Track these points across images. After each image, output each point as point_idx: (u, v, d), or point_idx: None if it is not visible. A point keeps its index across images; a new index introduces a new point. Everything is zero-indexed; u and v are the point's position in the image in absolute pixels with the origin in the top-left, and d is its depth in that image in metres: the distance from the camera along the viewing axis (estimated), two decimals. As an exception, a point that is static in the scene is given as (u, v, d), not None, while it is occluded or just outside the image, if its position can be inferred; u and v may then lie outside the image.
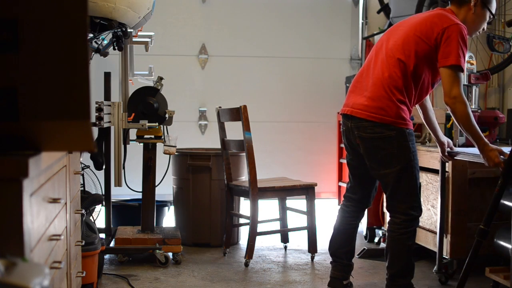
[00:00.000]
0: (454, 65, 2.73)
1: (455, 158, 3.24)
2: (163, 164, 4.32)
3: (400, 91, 2.82)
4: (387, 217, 3.71)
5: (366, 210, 3.48)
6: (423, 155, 3.71)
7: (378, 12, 5.34)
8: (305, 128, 5.47)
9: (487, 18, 3.00)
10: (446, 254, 3.52)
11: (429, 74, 2.87)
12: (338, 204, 4.98)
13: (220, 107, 4.17)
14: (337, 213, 3.24)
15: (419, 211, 2.94)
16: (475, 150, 2.92)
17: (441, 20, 2.80)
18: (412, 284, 2.98)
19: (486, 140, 2.79)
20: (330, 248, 3.21)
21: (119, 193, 4.49)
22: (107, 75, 3.91)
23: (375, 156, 2.89)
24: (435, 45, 2.79)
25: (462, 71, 2.77)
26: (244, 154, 3.93)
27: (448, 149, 3.25)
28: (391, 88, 2.81)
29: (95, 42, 3.76)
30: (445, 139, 3.23)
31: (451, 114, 2.80)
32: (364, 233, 4.52)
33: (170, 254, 3.85)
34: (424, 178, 3.73)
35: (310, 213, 4.03)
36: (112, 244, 3.95)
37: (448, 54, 2.74)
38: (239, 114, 3.86)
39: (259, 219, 3.91)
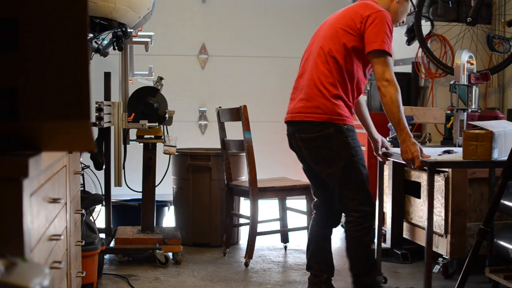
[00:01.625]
0: (380, 50, 2.70)
1: (389, 159, 3.21)
2: (163, 164, 4.32)
3: (334, 86, 2.77)
4: (387, 218, 3.72)
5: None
6: (423, 155, 3.71)
7: (378, 12, 5.33)
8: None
9: (408, 10, 3.01)
10: (446, 254, 3.52)
11: (360, 64, 2.83)
12: (338, 204, 4.98)
13: (220, 107, 4.17)
14: None
15: (372, 205, 2.85)
16: None
17: (363, 9, 2.80)
18: (378, 282, 2.93)
19: (410, 133, 2.73)
20: (307, 260, 3.10)
21: (119, 193, 4.49)
22: (107, 75, 3.91)
23: (318, 156, 2.84)
24: (360, 34, 2.76)
25: (390, 55, 2.74)
26: (244, 154, 3.93)
27: (383, 149, 3.19)
28: (324, 85, 2.77)
29: (95, 42, 3.76)
30: (379, 137, 3.16)
31: (381, 98, 2.72)
32: (364, 233, 4.52)
33: (170, 254, 3.85)
34: (424, 178, 3.73)
35: (310, 213, 4.02)
36: (112, 244, 3.95)
37: (374, 39, 2.71)
38: (239, 114, 3.86)
39: (259, 219, 3.91)
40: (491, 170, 3.38)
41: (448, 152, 3.01)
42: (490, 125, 2.83)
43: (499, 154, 2.76)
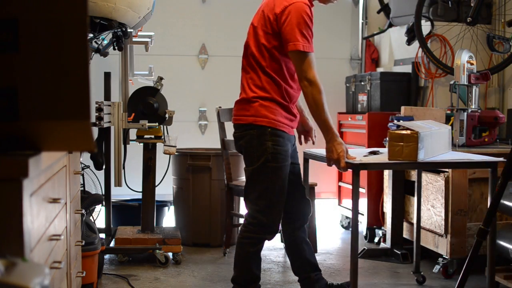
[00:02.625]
0: (297, 50, 2.59)
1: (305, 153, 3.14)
2: (163, 164, 4.32)
3: (262, 89, 2.70)
4: (387, 218, 3.73)
5: (366, 210, 3.36)
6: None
7: (378, 12, 5.34)
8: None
9: None
10: (446, 254, 3.52)
11: (288, 60, 2.71)
12: (338, 204, 4.98)
13: (220, 107, 4.17)
14: None
15: (270, 218, 2.69)
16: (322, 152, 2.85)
17: (277, 5, 2.65)
18: None
19: (337, 133, 2.67)
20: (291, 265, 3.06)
21: (119, 193, 4.49)
22: (107, 75, 3.91)
23: (242, 155, 2.81)
24: (276, 31, 2.66)
25: (308, 53, 2.61)
26: (244, 154, 3.93)
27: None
28: (251, 88, 2.72)
29: (95, 42, 3.76)
30: (310, 127, 3.08)
31: (304, 98, 2.63)
32: (364, 233, 4.52)
33: (170, 254, 3.85)
34: (424, 178, 3.73)
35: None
36: (112, 244, 3.95)
37: (289, 39, 2.59)
38: (239, 114, 3.86)
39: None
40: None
41: (374, 153, 2.92)
42: (416, 125, 2.76)
43: (425, 155, 2.68)
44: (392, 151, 2.65)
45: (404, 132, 2.62)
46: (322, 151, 2.98)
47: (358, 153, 2.87)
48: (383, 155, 2.86)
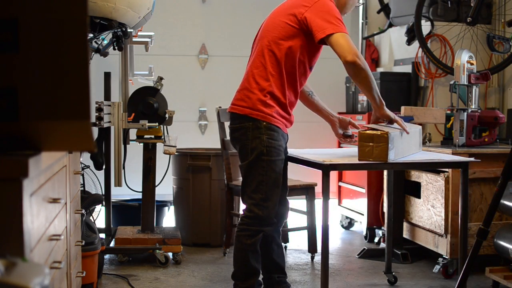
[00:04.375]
0: (335, 33, 2.58)
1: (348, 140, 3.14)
2: (163, 164, 4.32)
3: (265, 80, 2.72)
4: (386, 218, 3.71)
5: (366, 210, 3.36)
6: (423, 155, 3.71)
7: (378, 12, 5.33)
8: (305, 128, 5.46)
9: (356, 2, 2.93)
10: (446, 254, 3.52)
11: (305, 58, 2.75)
12: (338, 204, 4.98)
13: (220, 107, 4.17)
14: None
15: (265, 211, 2.73)
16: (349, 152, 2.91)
17: (304, 1, 2.71)
18: None
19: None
20: None
21: (119, 193, 4.49)
22: (107, 75, 3.91)
23: (236, 148, 2.83)
24: (303, 25, 2.68)
25: (341, 31, 2.61)
26: (244, 154, 3.93)
27: (343, 129, 3.14)
28: (255, 77, 2.73)
29: (95, 42, 3.76)
30: (336, 118, 3.13)
31: (354, 75, 2.62)
32: (364, 233, 4.52)
33: (170, 254, 3.85)
34: (424, 178, 3.73)
35: (310, 213, 4.03)
36: (112, 244, 3.95)
37: (324, 25, 2.61)
38: (239, 114, 3.86)
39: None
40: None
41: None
42: (385, 126, 2.74)
43: (395, 155, 2.67)
44: (362, 151, 2.62)
45: (374, 132, 2.59)
46: (301, 151, 3.02)
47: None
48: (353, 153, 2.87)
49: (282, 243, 4.29)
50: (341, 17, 2.67)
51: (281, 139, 2.79)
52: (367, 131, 2.61)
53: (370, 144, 2.59)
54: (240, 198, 2.87)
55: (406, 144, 2.86)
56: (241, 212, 4.29)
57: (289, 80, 2.75)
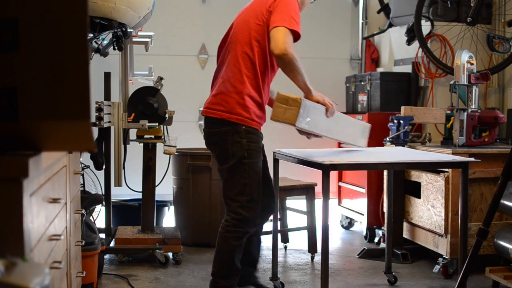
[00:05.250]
0: (279, 27, 2.64)
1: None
2: (163, 164, 4.32)
3: (241, 83, 2.75)
4: (386, 218, 3.72)
5: (366, 210, 3.34)
6: (423, 155, 3.71)
7: (378, 12, 5.34)
8: (305, 128, 5.47)
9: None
10: (446, 254, 3.53)
11: (271, 57, 2.77)
12: (338, 204, 4.98)
13: (220, 107, 4.16)
14: None
15: (252, 213, 2.79)
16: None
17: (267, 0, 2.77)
18: None
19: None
20: None
21: (119, 193, 4.49)
22: (107, 75, 3.91)
23: (214, 152, 2.87)
24: (268, 21, 2.72)
25: (298, 36, 2.68)
26: (244, 154, 3.93)
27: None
28: (231, 81, 2.77)
29: (95, 42, 3.76)
30: None
31: (281, 66, 2.68)
32: (364, 233, 4.52)
33: (170, 254, 3.85)
34: (424, 178, 3.73)
35: (310, 213, 4.03)
36: (112, 244, 3.95)
37: (277, 19, 2.67)
38: (239, 114, 3.86)
39: (259, 219, 3.91)
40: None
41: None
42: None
43: (309, 126, 2.72)
44: (275, 111, 2.68)
45: (289, 95, 2.65)
46: (301, 151, 3.05)
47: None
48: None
49: (282, 243, 4.32)
50: (297, 16, 2.72)
51: (260, 140, 2.87)
52: (284, 93, 2.66)
53: (284, 106, 2.66)
54: (223, 197, 2.90)
55: (334, 126, 2.90)
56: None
57: (263, 79, 2.81)
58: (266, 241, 4.48)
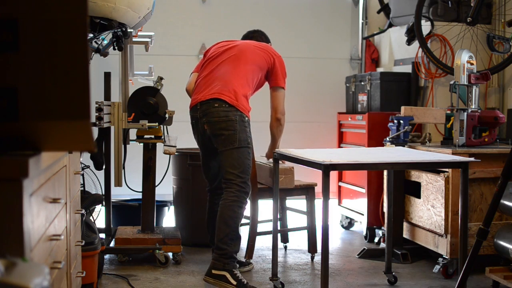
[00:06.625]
0: (283, 88, 3.58)
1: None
2: (163, 164, 4.32)
3: (243, 86, 3.42)
4: (386, 218, 3.73)
5: (366, 210, 3.42)
6: (423, 155, 3.71)
7: (378, 12, 5.34)
8: (305, 128, 5.47)
9: None
10: (446, 254, 3.52)
11: (262, 83, 3.63)
12: (338, 204, 4.98)
13: (220, 107, 4.17)
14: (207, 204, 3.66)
15: (249, 188, 3.36)
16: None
17: (269, 52, 3.58)
18: (236, 259, 3.29)
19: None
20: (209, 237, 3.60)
21: (119, 193, 4.49)
22: (107, 75, 3.91)
23: (220, 136, 3.33)
24: (270, 66, 3.55)
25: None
26: (244, 154, 3.93)
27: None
28: (237, 80, 3.40)
29: (95, 42, 3.76)
30: None
31: (277, 127, 3.60)
32: (364, 233, 4.52)
33: (170, 254, 3.85)
34: (424, 178, 3.73)
35: (310, 213, 4.03)
36: (112, 244, 3.95)
37: (281, 78, 3.56)
38: (239, 114, 3.86)
39: (259, 219, 3.91)
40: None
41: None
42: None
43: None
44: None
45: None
46: (301, 151, 3.08)
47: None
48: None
49: (282, 243, 4.33)
50: (286, 73, 3.63)
51: None
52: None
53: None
54: (224, 180, 3.34)
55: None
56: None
57: (252, 92, 3.54)
58: (266, 241, 4.48)
